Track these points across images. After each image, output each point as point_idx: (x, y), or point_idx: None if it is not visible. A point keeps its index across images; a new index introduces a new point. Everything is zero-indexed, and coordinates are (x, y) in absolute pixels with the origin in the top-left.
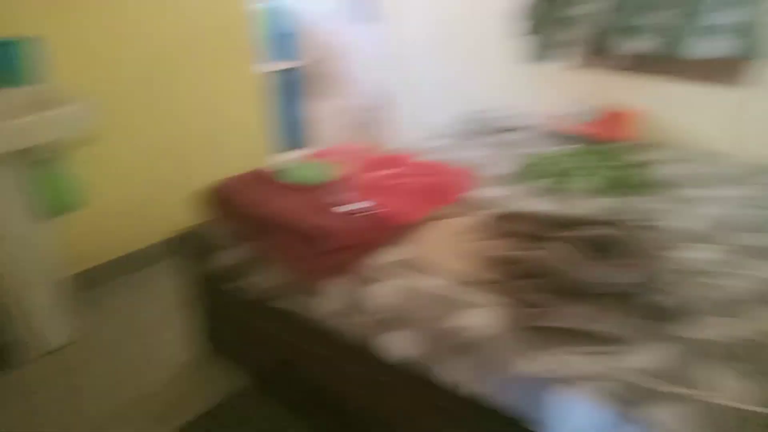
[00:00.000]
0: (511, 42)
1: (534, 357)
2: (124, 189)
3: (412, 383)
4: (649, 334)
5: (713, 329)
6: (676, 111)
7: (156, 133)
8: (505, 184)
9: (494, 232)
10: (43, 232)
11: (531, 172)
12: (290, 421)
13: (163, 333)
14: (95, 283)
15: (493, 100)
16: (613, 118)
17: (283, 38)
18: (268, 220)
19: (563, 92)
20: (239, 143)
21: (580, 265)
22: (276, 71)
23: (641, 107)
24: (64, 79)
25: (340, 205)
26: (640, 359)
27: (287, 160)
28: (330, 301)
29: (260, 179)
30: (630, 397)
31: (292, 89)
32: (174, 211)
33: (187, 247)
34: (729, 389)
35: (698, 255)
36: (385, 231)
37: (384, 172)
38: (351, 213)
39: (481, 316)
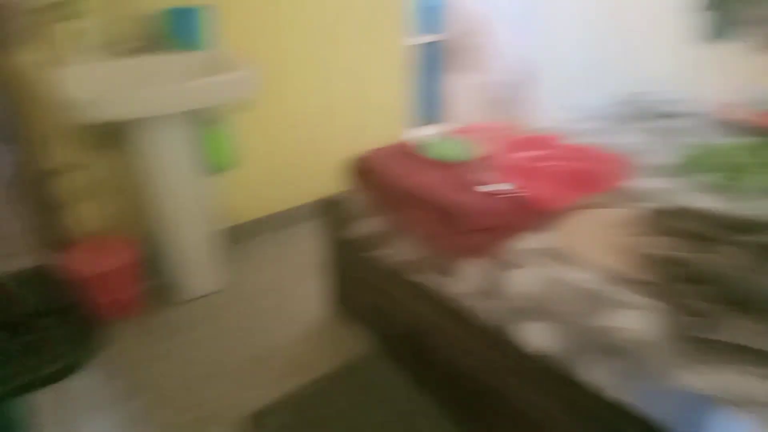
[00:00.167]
0: (684, 17)
1: (697, 371)
2: (275, 153)
3: (550, 377)
4: None
5: None
6: None
7: (307, 100)
8: (666, 175)
9: (653, 228)
10: (204, 187)
11: (697, 164)
12: (411, 393)
13: (300, 290)
14: (244, 237)
15: (654, 82)
16: None
17: (431, 11)
18: (408, 193)
19: (740, 77)
20: (381, 115)
21: (758, 275)
22: (421, 44)
23: None
24: (231, 45)
25: (482, 184)
26: None
27: (428, 135)
28: (466, 282)
29: (403, 152)
30: None
31: (434, 63)
32: (320, 177)
33: (329, 212)
34: None
35: None
36: (528, 215)
37: (530, 153)
38: (493, 193)
39: (635, 319)
